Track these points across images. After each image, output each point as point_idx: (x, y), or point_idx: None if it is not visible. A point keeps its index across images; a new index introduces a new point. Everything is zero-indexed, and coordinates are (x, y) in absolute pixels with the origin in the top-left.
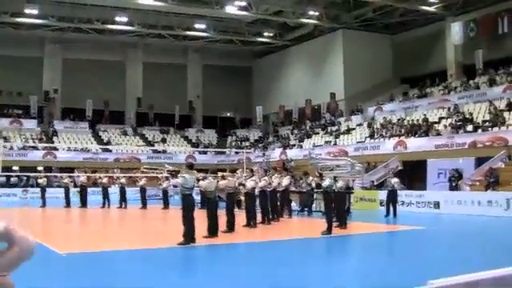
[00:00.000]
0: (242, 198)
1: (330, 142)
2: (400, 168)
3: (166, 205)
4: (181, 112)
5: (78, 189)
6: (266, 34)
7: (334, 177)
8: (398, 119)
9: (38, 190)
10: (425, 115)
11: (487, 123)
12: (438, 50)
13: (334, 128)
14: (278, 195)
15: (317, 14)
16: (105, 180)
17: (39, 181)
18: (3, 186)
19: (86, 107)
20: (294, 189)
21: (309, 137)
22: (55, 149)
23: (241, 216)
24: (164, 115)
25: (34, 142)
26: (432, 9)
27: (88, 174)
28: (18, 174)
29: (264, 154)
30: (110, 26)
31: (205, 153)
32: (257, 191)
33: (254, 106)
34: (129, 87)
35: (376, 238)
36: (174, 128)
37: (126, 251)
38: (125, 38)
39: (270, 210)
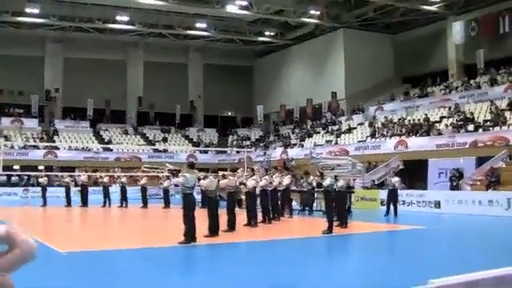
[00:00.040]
0: (243, 197)
1: (331, 141)
2: (401, 167)
3: (167, 204)
4: (182, 111)
5: (79, 188)
6: (266, 33)
7: (335, 176)
8: (399, 119)
9: (39, 189)
10: (426, 115)
11: (488, 123)
12: (439, 49)
13: (335, 127)
14: (279, 194)
15: (318, 13)
16: (106, 179)
17: (40, 180)
18: (4, 185)
19: (87, 106)
20: (294, 188)
21: (310, 136)
22: (56, 148)
23: (241, 215)
24: (165, 114)
25: (34, 141)
26: (433, 8)
27: (89, 173)
28: (19, 173)
29: (265, 154)
30: (110, 26)
31: (206, 152)
32: (258, 190)
33: (255, 106)
34: (130, 86)
35: (377, 237)
36: (174, 127)
37: (127, 250)
38: (126, 37)
39: (271, 210)
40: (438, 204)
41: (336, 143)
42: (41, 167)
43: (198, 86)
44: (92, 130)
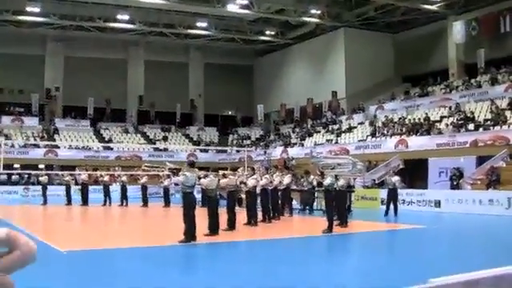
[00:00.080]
0: (243, 196)
1: (332, 140)
2: (401, 167)
3: (167, 203)
4: (182, 110)
5: (79, 187)
6: (267, 32)
7: (336, 175)
8: (400, 118)
9: (40, 187)
10: (426, 114)
11: (489, 122)
12: (440, 48)
13: (336, 126)
14: (279, 193)
15: (318, 12)
16: (106, 178)
17: (40, 179)
18: (5, 183)
19: (88, 105)
20: (295, 187)
21: (310, 135)
22: (56, 147)
23: (242, 214)
24: (165, 113)
25: (35, 139)
26: (434, 7)
27: (89, 172)
28: (20, 171)
29: (265, 153)
30: (111, 24)
31: (206, 151)
32: (258, 189)
33: (256, 105)
34: (130, 85)
35: (377, 236)
36: (175, 126)
37: (127, 249)
38: (126, 36)
39: (271, 209)
40: (438, 203)
41: (336, 142)
42: (41, 166)
43: (199, 84)
44: (92, 129)
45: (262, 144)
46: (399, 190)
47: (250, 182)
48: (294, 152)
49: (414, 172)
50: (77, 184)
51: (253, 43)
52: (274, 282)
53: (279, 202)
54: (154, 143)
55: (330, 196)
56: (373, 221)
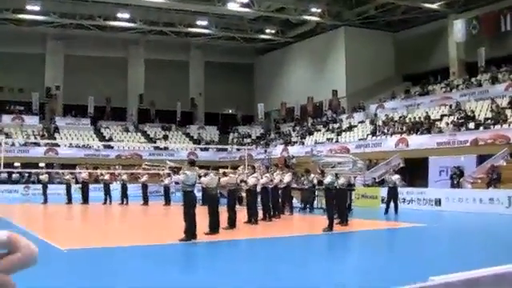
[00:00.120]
0: (244, 194)
1: (332, 139)
2: (402, 165)
3: (168, 201)
4: (182, 109)
5: (80, 185)
6: (268, 30)
7: (336, 174)
8: (400, 116)
9: (40, 186)
10: (427, 113)
11: (489, 121)
12: (440, 47)
13: (336, 125)
14: (280, 192)
15: (319, 11)
16: (106, 176)
17: (41, 177)
18: (5, 182)
19: (88, 104)
20: (295, 186)
21: (310, 134)
22: (57, 145)
23: (242, 213)
24: (166, 112)
25: (35, 138)
26: (434, 6)
27: (90, 171)
28: (20, 170)
29: (266, 151)
30: (111, 23)
31: (206, 150)
32: (258, 188)
33: (256, 103)
34: (130, 84)
35: (377, 234)
36: (175, 125)
37: (127, 247)
38: (126, 34)
39: (272, 207)
40: (438, 202)
41: (337, 141)
42: (41, 164)
43: (199, 83)
44: (93, 128)
45: (262, 142)
46: (399, 189)
47: (251, 181)
48: (294, 150)
49: (415, 171)
50: (77, 182)
51: (253, 42)
52: (275, 280)
53: (279, 200)
54: (155, 142)
55: (330, 194)
56: (373, 219)
